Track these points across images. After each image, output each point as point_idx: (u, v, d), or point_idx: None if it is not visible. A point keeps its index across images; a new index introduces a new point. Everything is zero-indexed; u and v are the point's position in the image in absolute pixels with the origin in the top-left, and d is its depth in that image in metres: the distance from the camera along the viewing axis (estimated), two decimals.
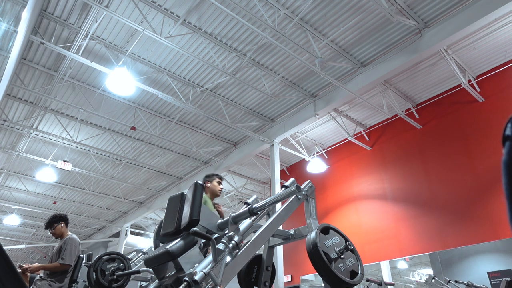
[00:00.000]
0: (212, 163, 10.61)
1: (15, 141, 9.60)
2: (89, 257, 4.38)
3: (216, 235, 2.21)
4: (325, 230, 2.44)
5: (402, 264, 8.88)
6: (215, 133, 9.60)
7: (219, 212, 3.53)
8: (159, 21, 6.28)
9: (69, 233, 4.16)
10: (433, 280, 5.21)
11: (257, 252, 2.32)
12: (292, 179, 2.59)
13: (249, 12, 5.64)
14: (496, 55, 7.13)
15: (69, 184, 11.96)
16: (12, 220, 13.51)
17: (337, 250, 2.35)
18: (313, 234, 2.32)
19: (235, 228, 2.18)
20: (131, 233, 14.79)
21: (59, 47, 6.22)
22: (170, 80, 7.58)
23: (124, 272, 3.36)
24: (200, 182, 2.18)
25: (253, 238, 2.14)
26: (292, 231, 2.71)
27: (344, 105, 8.46)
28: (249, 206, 2.30)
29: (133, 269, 3.54)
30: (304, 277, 9.62)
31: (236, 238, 2.06)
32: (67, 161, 9.37)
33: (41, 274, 3.87)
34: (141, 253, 4.61)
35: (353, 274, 2.34)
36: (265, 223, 2.30)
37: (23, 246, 16.07)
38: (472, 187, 7.07)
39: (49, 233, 4.18)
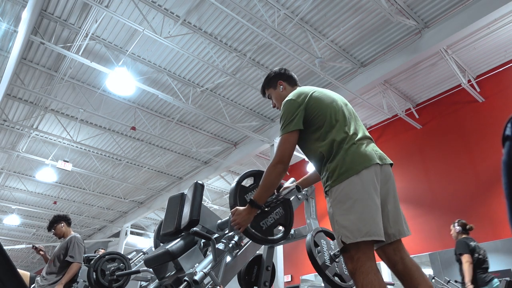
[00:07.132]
0: (212, 163, 10.61)
1: (15, 141, 9.60)
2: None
3: (216, 235, 2.21)
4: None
5: None
6: (215, 133, 9.60)
7: None
8: (159, 21, 6.28)
9: (72, 232, 4.18)
10: (433, 280, 5.20)
11: (257, 252, 2.32)
12: (292, 179, 2.59)
13: (249, 12, 5.64)
14: (496, 55, 7.13)
15: (69, 184, 11.96)
16: (12, 220, 13.51)
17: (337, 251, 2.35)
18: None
19: None
20: (131, 233, 14.79)
21: (59, 47, 6.22)
22: (170, 80, 7.58)
23: (124, 272, 3.36)
24: (200, 182, 2.18)
25: None
26: (292, 231, 2.70)
27: None
28: None
29: (133, 269, 3.53)
30: (304, 277, 9.62)
31: (236, 238, 2.06)
32: (67, 161, 9.37)
33: (43, 274, 3.87)
34: (141, 253, 4.59)
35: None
36: None
37: (23, 246, 16.05)
38: (472, 187, 7.07)
39: (52, 234, 4.21)
